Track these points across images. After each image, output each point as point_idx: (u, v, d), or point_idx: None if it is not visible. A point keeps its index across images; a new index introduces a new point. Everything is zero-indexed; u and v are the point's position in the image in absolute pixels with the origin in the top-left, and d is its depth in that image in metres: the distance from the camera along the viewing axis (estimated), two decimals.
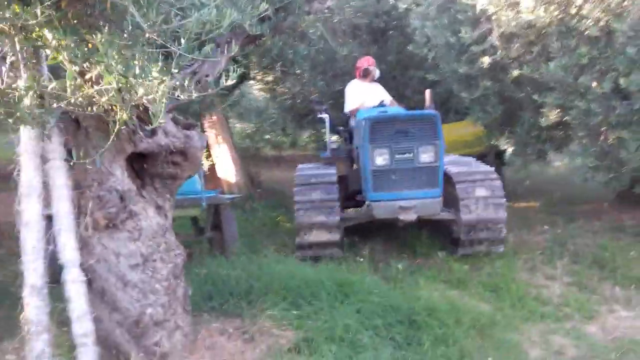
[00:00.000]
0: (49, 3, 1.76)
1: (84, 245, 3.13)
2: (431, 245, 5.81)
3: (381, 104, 6.26)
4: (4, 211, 4.96)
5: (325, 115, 6.70)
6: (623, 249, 5.61)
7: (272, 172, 11.69)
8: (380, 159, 5.15)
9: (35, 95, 2.05)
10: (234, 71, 2.17)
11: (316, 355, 3.46)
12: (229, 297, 4.22)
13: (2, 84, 2.05)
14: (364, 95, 6.66)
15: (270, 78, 12.23)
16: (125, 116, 2.25)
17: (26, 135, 2.78)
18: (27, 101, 2.00)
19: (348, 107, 6.75)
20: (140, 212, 3.35)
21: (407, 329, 3.81)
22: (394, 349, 3.58)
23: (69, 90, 2.05)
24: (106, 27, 1.89)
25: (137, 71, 1.96)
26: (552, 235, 6.14)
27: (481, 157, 6.86)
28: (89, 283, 3.08)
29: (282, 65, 9.51)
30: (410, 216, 5.12)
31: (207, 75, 3.55)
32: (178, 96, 2.21)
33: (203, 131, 8.58)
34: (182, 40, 1.99)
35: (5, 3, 1.72)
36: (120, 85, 2.00)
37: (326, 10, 4.23)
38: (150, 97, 2.06)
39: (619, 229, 6.19)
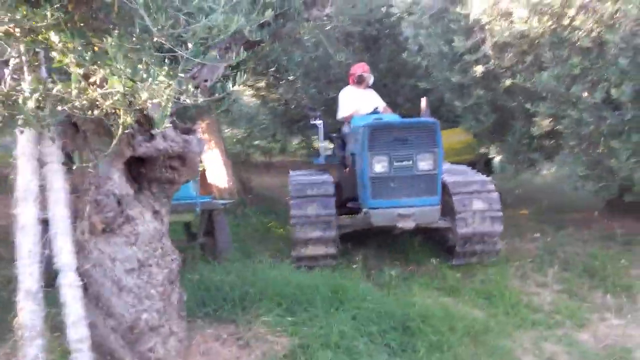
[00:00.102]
0: (57, 6, 1.76)
1: (80, 250, 3.11)
2: (424, 252, 5.84)
3: (375, 111, 6.29)
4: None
5: (319, 122, 6.72)
6: (613, 257, 5.67)
7: (262, 178, 11.67)
8: (379, 166, 5.13)
9: (40, 98, 2.04)
10: (240, 76, 2.18)
11: None
12: (223, 303, 4.20)
13: (6, 86, 2.04)
14: (358, 102, 6.68)
15: (262, 84, 12.25)
16: (129, 120, 2.25)
17: (24, 138, 2.77)
18: (31, 104, 1.99)
19: (342, 114, 6.77)
20: (137, 216, 3.34)
21: (402, 336, 3.82)
22: (389, 356, 3.59)
23: (74, 93, 2.05)
24: (116, 31, 1.89)
25: (144, 75, 1.95)
26: (542, 243, 6.20)
27: (470, 165, 6.92)
28: (84, 288, 3.06)
29: (275, 72, 9.53)
30: (409, 224, 5.10)
31: (205, 80, 3.55)
32: (184, 100, 2.21)
33: None
34: (189, 45, 1.99)
35: (14, 5, 1.71)
36: (126, 89, 2.00)
37: (325, 18, 4.24)
38: (155, 101, 2.05)
39: (608, 238, 6.25)
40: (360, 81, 6.77)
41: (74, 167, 2.55)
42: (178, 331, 3.54)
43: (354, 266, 5.36)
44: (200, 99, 2.24)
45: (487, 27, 6.30)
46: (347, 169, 6.12)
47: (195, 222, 6.12)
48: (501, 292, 4.91)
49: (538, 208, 7.79)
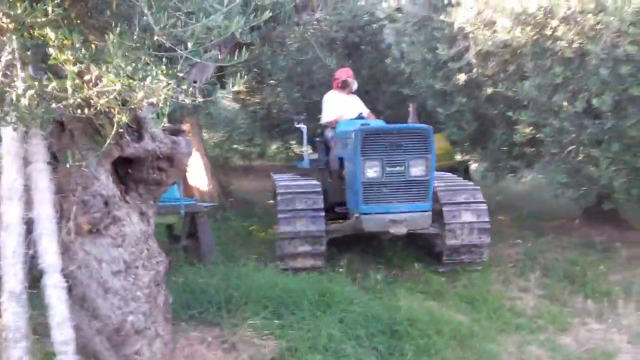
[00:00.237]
0: (56, 2, 1.72)
1: (65, 251, 3.04)
2: (407, 256, 5.87)
3: (360, 116, 6.31)
4: None
5: (302, 126, 6.72)
6: (592, 263, 5.78)
7: (241, 182, 11.62)
8: (371, 172, 5.10)
9: (35, 95, 1.99)
10: (241, 77, 2.16)
11: None
12: (208, 305, 4.16)
13: None
14: (342, 107, 6.69)
15: (242, 88, 12.17)
16: (125, 119, 2.22)
17: (9, 136, 2.71)
18: (25, 101, 1.94)
19: (326, 118, 6.77)
20: (123, 217, 3.29)
21: (389, 339, 3.83)
22: (378, 359, 3.58)
23: (70, 90, 2.01)
24: (117, 28, 1.86)
25: (143, 74, 1.93)
26: (523, 249, 6.29)
27: (451, 172, 7.00)
28: (69, 289, 3.00)
29: (258, 75, 9.50)
30: (401, 230, 5.09)
31: (195, 82, 3.52)
32: (182, 100, 2.19)
33: None
34: (189, 45, 1.97)
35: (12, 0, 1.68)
36: (123, 87, 1.97)
37: (315, 22, 4.25)
38: (152, 100, 2.03)
39: (587, 245, 6.37)
40: (344, 86, 6.79)
41: (67, 166, 2.49)
42: (164, 334, 3.49)
43: (340, 270, 5.35)
44: (199, 100, 2.22)
45: (470, 35, 6.37)
46: (331, 173, 6.11)
47: (177, 224, 6.05)
48: (484, 297, 4.96)
49: (518, 215, 7.90)
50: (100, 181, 3.16)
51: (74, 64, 2.04)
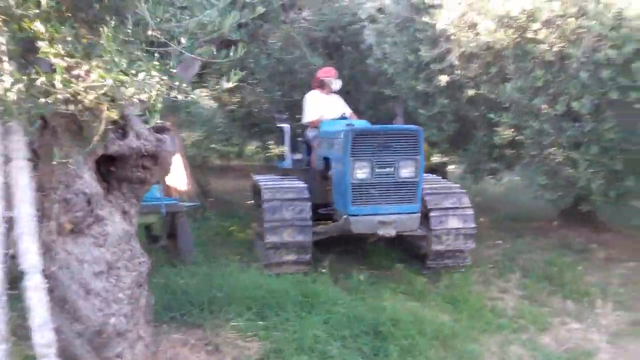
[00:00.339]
0: None
1: (46, 251, 2.96)
2: (389, 257, 5.88)
3: (343, 117, 6.30)
4: None
5: (285, 125, 6.68)
6: (570, 264, 5.86)
7: (219, 182, 11.53)
8: (361, 173, 5.02)
9: (23, 89, 1.93)
10: (234, 74, 2.13)
11: None
12: (190, 307, 4.11)
13: None
14: (323, 107, 6.67)
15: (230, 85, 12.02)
16: (115, 115, 2.16)
17: None
18: (12, 95, 1.88)
19: (307, 118, 6.73)
20: (106, 217, 3.21)
21: (374, 340, 3.82)
22: (363, 359, 3.57)
23: (60, 85, 1.94)
24: (112, 22, 1.81)
25: (137, 69, 1.88)
26: (502, 250, 6.36)
27: (430, 173, 7.03)
28: (50, 291, 2.92)
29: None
30: (390, 231, 5.02)
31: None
32: (175, 97, 2.14)
33: None
34: (182, 40, 1.93)
35: None
36: (116, 82, 1.91)
37: (303, 21, 4.22)
38: (144, 96, 1.98)
39: (564, 246, 6.47)
40: (322, 86, 6.75)
41: (54, 163, 2.42)
42: (145, 336, 3.43)
43: (323, 270, 5.33)
44: (192, 96, 2.18)
45: (453, 37, 6.42)
46: (314, 173, 6.06)
47: (155, 224, 5.96)
48: (466, 297, 4.98)
49: (497, 216, 7.98)
50: (82, 179, 3.08)
51: (65, 58, 1.99)
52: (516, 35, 5.71)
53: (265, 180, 5.97)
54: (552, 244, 6.51)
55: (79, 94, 2.08)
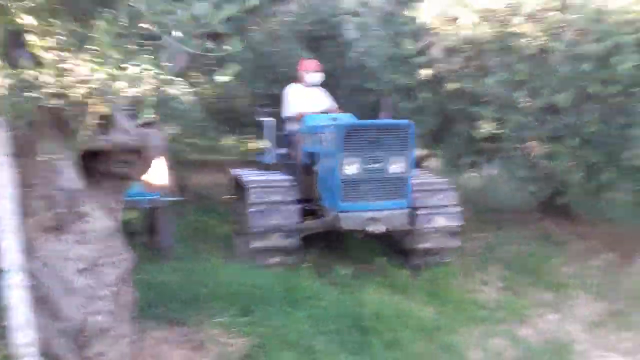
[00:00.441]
0: None
1: (28, 248, 2.91)
2: (370, 251, 5.89)
3: (324, 112, 6.27)
4: None
5: (267, 119, 6.63)
6: (548, 256, 5.95)
7: (196, 176, 11.41)
8: (351, 168, 4.94)
9: (14, 84, 1.88)
10: (230, 67, 2.11)
11: None
12: (172, 303, 4.08)
13: None
14: (304, 100, 6.62)
15: (200, 79, 11.91)
16: (107, 110, 2.13)
17: None
18: (3, 90, 1.83)
19: (287, 112, 6.68)
20: (89, 213, 3.17)
21: (358, 334, 3.85)
22: (348, 354, 3.59)
23: (52, 79, 1.90)
24: (102, 14, 1.77)
25: (131, 63, 1.85)
26: (483, 243, 6.42)
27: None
28: (31, 289, 2.87)
29: (219, 66, 9.30)
30: (379, 228, 4.98)
31: None
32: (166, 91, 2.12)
33: None
34: (175, 33, 1.91)
35: None
36: (109, 76, 1.88)
37: (290, 14, 4.18)
38: (136, 90, 1.94)
39: (544, 238, 6.56)
40: (299, 79, 6.72)
41: (38, 159, 2.37)
42: (129, 334, 3.40)
43: (307, 264, 5.31)
44: (186, 90, 2.15)
45: (435, 31, 6.43)
46: (298, 168, 6.02)
47: (135, 219, 5.90)
48: (447, 290, 5.05)
49: (476, 209, 8.05)
50: (65, 175, 3.03)
51: (55, 51, 1.94)
52: (498, 29, 5.74)
53: (252, 180, 5.83)
54: (532, 236, 6.59)
55: (68, 88, 2.04)
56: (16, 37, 1.95)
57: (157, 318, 3.97)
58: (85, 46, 1.90)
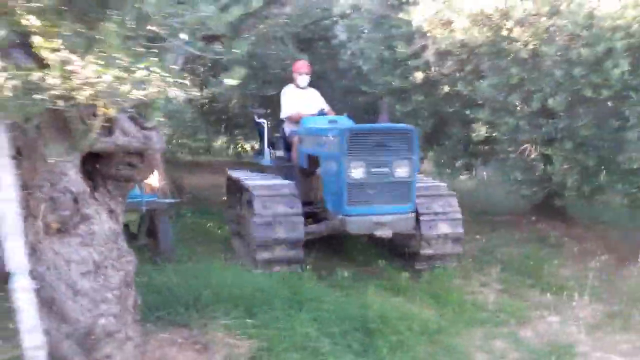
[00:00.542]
0: None
1: (32, 251, 2.87)
2: (370, 253, 5.89)
3: (321, 112, 6.27)
4: None
5: (263, 121, 6.62)
6: (545, 258, 5.99)
7: (191, 178, 11.36)
8: (357, 172, 4.93)
9: (20, 85, 1.85)
10: (237, 70, 2.10)
11: None
12: (176, 306, 4.03)
13: None
14: (300, 101, 6.62)
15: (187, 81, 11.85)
16: (114, 112, 2.10)
17: None
18: (8, 91, 1.80)
19: (285, 113, 6.67)
20: (93, 215, 3.13)
21: (363, 337, 3.83)
22: (354, 356, 3.58)
23: (57, 81, 1.87)
24: (114, 16, 1.75)
25: (138, 65, 1.83)
26: (480, 245, 6.45)
27: None
28: (37, 292, 2.83)
29: (212, 68, 9.27)
30: (386, 232, 4.97)
31: None
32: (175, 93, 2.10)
33: None
34: (181, 35, 1.89)
35: None
36: (118, 78, 1.85)
37: (285, 16, 4.18)
38: (145, 92, 1.92)
39: (540, 240, 6.60)
40: (294, 80, 6.72)
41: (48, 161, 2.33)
42: (134, 336, 3.36)
43: (309, 267, 5.29)
44: (194, 93, 2.13)
45: (428, 34, 6.48)
46: (297, 171, 6.00)
47: (133, 222, 5.83)
48: (447, 292, 5.05)
49: (472, 211, 8.09)
50: (68, 177, 2.99)
51: (60, 53, 1.92)
52: (490, 33, 5.80)
53: (249, 179, 5.78)
54: (528, 238, 6.63)
55: (74, 90, 2.01)
56: (23, 38, 1.93)
57: (160, 320, 3.92)
58: (92, 48, 1.87)
